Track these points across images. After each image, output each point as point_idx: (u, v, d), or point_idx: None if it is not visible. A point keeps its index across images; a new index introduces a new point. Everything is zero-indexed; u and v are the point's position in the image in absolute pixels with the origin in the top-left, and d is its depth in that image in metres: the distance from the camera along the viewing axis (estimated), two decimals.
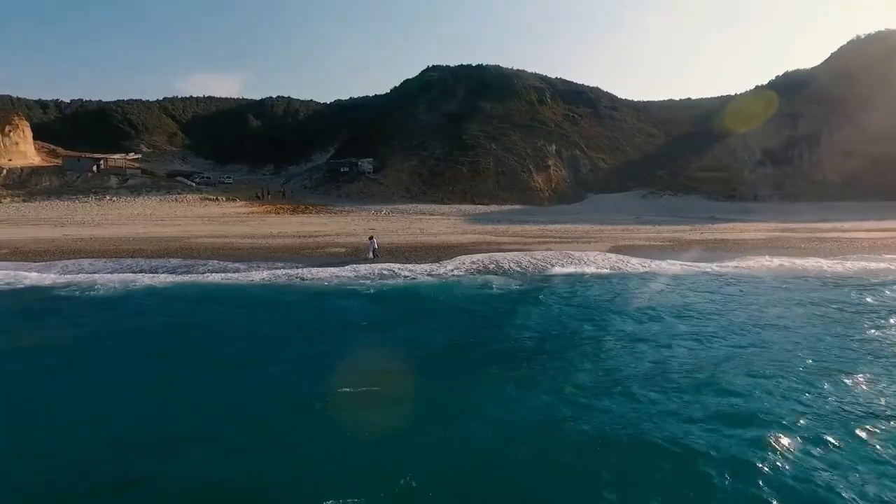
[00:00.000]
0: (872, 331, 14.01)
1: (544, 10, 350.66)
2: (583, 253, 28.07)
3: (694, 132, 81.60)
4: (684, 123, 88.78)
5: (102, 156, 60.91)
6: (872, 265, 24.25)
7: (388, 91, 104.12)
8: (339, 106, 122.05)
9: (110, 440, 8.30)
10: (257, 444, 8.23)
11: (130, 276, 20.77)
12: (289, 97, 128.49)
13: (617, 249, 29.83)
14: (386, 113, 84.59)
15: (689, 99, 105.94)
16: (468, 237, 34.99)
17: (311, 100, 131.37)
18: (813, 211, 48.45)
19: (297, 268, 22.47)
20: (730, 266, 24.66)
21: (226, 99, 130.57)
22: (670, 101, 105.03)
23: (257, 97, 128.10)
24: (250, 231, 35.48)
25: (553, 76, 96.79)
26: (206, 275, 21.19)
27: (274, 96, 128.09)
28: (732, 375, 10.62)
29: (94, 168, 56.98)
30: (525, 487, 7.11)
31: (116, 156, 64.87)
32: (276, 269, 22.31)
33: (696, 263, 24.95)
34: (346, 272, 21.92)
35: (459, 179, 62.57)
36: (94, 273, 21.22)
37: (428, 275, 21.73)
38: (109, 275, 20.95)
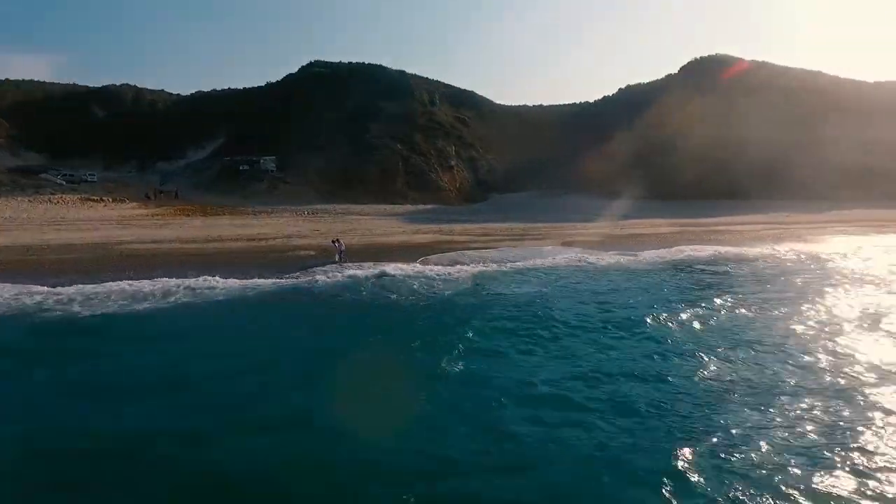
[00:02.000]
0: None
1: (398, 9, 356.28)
2: (553, 248, 30.47)
3: (568, 136, 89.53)
4: (547, 128, 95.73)
5: None
6: (778, 247, 30.47)
7: (264, 85, 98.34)
8: (204, 98, 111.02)
9: None
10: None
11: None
12: (136, 86, 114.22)
13: (568, 245, 32.62)
14: (274, 108, 79.62)
15: (541, 105, 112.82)
16: (422, 237, 35.37)
17: (163, 90, 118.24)
18: (686, 209, 56.76)
19: (305, 275, 21.28)
20: (675, 253, 28.85)
21: (52, 84, 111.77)
22: (525, 105, 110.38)
23: (81, 82, 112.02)
24: (180, 235, 31.75)
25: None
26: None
27: (117, 83, 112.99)
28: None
29: None
30: None
31: None
32: (272, 277, 20.68)
33: (655, 252, 28.71)
34: (365, 275, 21.32)
35: (370, 179, 61.92)
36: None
37: (446, 275, 21.89)
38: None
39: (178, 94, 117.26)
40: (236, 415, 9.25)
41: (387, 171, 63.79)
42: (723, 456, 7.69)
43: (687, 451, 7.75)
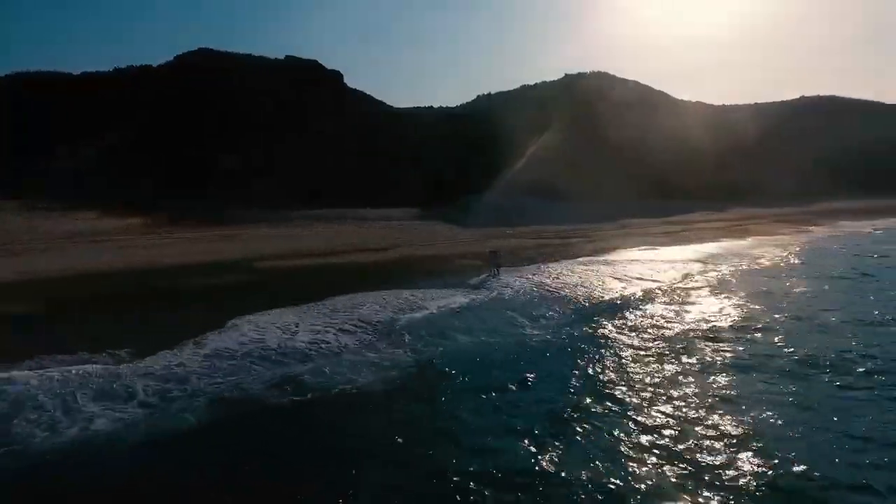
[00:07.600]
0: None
1: None
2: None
3: (475, 138, 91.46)
4: (463, 129, 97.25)
5: None
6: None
7: (156, 67, 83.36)
8: (46, 82, 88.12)
9: None
10: None
11: None
12: None
13: (649, 244, 34.97)
14: (179, 98, 67.98)
15: (430, 107, 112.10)
16: (514, 241, 34.95)
17: None
18: (636, 208, 64.09)
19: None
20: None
21: None
22: (417, 107, 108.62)
23: None
24: (298, 247, 26.93)
25: None
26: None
27: None
28: None
29: None
30: None
31: None
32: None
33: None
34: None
35: (345, 181, 57.49)
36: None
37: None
38: None
39: None
40: None
41: (356, 173, 59.89)
42: None
43: None
